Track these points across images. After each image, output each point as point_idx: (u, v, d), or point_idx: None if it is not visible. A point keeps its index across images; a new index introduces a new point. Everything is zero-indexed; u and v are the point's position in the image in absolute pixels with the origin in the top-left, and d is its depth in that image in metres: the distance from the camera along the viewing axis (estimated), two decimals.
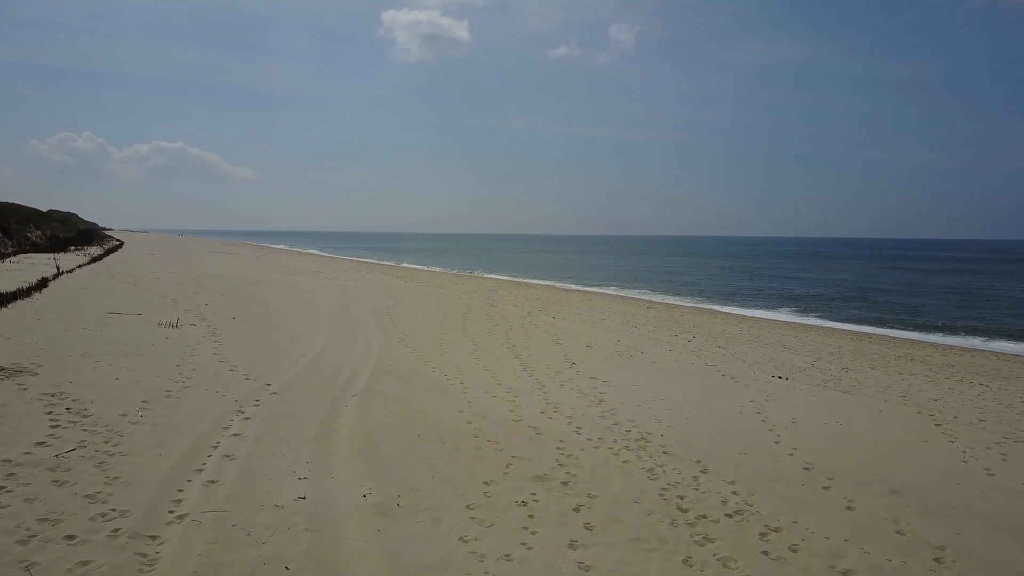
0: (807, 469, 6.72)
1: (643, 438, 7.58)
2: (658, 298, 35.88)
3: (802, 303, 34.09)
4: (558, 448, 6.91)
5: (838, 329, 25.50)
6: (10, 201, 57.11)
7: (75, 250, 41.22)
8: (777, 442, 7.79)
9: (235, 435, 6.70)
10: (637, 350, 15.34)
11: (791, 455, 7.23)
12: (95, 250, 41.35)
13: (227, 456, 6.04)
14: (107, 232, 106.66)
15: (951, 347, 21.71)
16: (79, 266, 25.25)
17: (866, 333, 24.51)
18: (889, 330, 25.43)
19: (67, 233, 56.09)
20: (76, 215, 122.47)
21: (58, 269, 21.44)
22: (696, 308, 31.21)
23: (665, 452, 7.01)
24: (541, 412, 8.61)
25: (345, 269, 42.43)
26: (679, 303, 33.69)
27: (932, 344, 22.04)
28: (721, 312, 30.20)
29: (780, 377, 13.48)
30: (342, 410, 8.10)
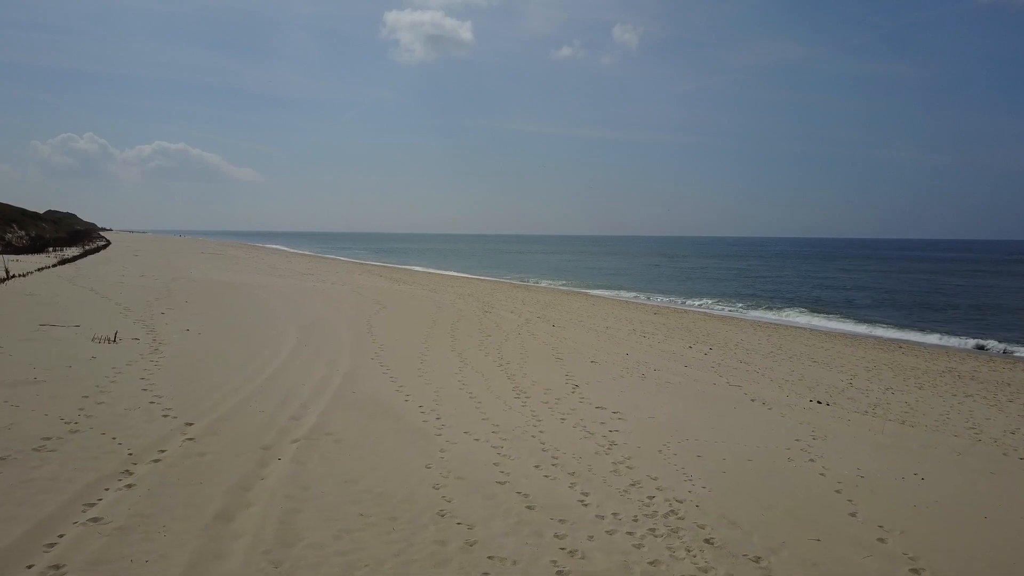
0: (916, 572, 4.69)
1: (673, 511, 5.55)
2: (665, 301, 33.84)
3: (818, 307, 32.02)
4: (556, 536, 4.89)
5: (863, 336, 23.48)
6: (8, 202, 55.49)
7: (53, 251, 39.23)
8: (853, 514, 5.76)
9: (93, 520, 4.69)
10: (649, 366, 13.33)
11: (882, 540, 5.20)
12: (73, 251, 39.38)
13: (55, 568, 4.03)
14: (103, 233, 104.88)
15: (993, 358, 19.67)
16: (39, 268, 23.26)
17: (895, 341, 22.49)
18: (918, 337, 23.39)
19: (56, 234, 54.21)
20: (75, 216, 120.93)
21: (7, 272, 19.45)
22: (707, 313, 29.17)
23: (708, 540, 4.98)
24: (535, 466, 6.59)
25: (337, 271, 40.43)
26: (687, 307, 31.66)
27: (973, 355, 19.98)
28: (734, 318, 28.16)
29: (819, 402, 11.46)
30: (270, 467, 6.08)
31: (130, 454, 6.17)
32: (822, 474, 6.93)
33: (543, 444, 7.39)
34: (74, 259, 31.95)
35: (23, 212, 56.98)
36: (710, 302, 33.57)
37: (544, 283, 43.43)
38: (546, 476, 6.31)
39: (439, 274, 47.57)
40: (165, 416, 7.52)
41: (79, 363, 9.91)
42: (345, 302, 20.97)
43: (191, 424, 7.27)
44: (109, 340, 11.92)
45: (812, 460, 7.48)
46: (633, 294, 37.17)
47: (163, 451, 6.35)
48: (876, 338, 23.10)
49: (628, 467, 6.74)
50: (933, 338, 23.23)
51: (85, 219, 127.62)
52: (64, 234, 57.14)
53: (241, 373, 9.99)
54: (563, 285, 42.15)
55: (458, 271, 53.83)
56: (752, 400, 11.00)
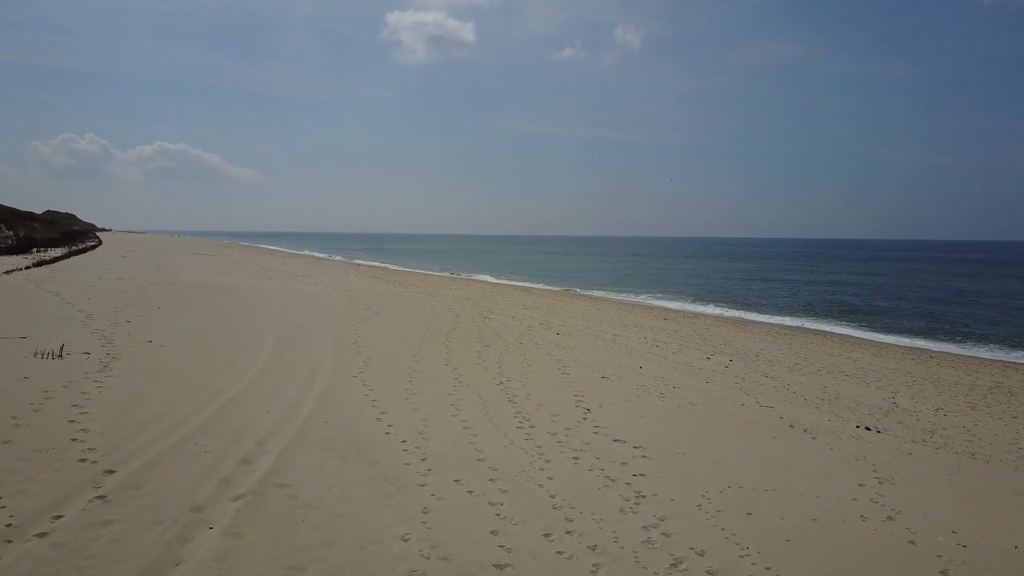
0: None
1: None
2: (673, 304, 32.31)
3: (833, 312, 30.47)
4: None
5: (889, 344, 21.92)
6: (8, 203, 54.24)
7: (37, 251, 37.82)
8: None
9: None
10: (667, 383, 11.81)
11: None
12: (56, 251, 37.94)
13: None
14: (101, 233, 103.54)
15: None
16: (8, 271, 21.80)
17: (924, 350, 20.93)
18: (947, 345, 21.86)
19: (49, 234, 52.80)
20: (74, 216, 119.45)
21: None
22: (719, 318, 27.64)
23: None
24: (545, 535, 5.09)
25: (332, 272, 38.95)
26: (697, 310, 30.10)
27: (1012, 366, 18.44)
28: (748, 321, 26.64)
29: (867, 428, 9.95)
30: (194, 543, 4.58)
31: (9, 524, 4.67)
32: (912, 541, 5.42)
33: (553, 497, 5.88)
34: (54, 261, 30.48)
35: (14, 212, 55.61)
36: (719, 305, 32.07)
37: (546, 285, 41.92)
38: (559, 552, 4.80)
39: (437, 276, 46.05)
40: (83, 460, 6.03)
41: (6, 385, 8.43)
42: (334, 307, 19.47)
43: (111, 472, 5.78)
44: (54, 355, 10.44)
45: (891, 518, 5.96)
46: (639, 296, 35.68)
47: (58, 517, 4.85)
48: (903, 347, 21.55)
49: (664, 534, 5.24)
50: (966, 347, 21.69)
51: (85, 220, 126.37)
52: (58, 234, 55.78)
53: (197, 397, 8.50)
54: (566, 286, 40.64)
55: (457, 272, 52.33)
56: (791, 426, 9.50)
